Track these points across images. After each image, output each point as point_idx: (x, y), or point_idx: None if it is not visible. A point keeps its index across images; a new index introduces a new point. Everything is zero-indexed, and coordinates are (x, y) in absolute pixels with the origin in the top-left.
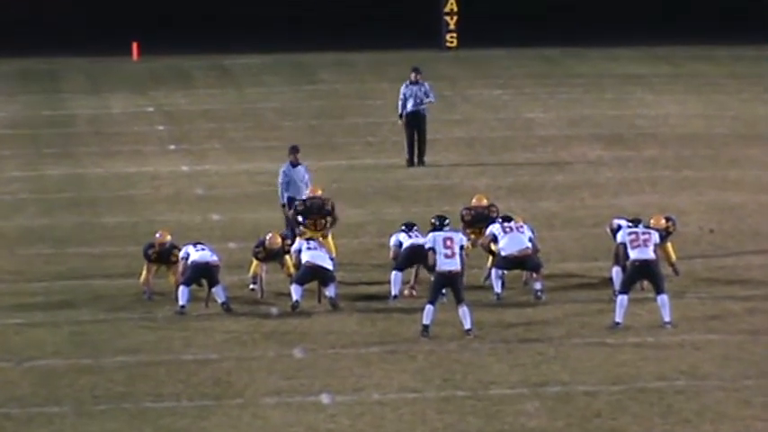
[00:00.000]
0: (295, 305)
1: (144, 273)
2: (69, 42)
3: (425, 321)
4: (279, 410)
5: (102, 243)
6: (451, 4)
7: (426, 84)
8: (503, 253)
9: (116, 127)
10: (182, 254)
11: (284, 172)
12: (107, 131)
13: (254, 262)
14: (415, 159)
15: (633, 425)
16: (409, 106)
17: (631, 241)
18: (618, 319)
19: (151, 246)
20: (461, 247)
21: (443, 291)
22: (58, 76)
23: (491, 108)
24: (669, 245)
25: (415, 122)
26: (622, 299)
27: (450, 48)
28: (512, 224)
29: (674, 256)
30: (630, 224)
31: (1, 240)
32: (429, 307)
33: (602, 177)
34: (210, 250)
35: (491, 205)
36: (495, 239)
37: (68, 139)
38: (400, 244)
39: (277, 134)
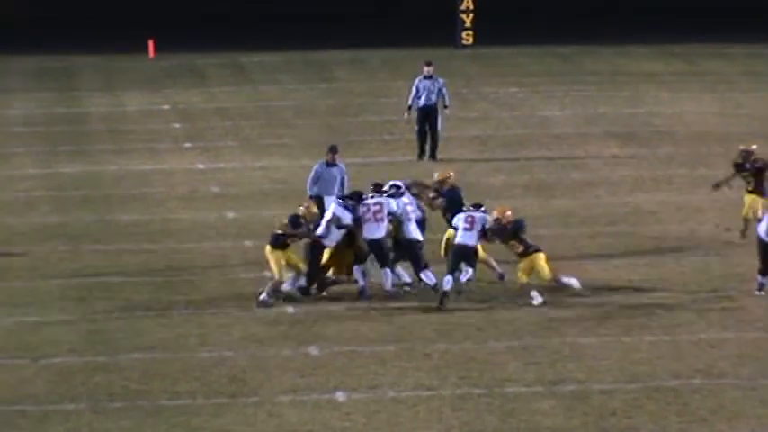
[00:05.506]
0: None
1: (274, 265)
2: (85, 40)
3: (445, 287)
4: (294, 408)
5: (117, 240)
6: (467, 1)
7: (440, 79)
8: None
9: (131, 124)
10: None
11: (316, 169)
12: (122, 129)
13: (276, 259)
14: (427, 154)
15: (649, 423)
16: (422, 101)
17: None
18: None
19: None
20: (483, 226)
21: (461, 264)
22: (73, 73)
23: (506, 106)
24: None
25: (427, 117)
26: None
27: (465, 45)
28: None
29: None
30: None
31: (16, 238)
32: (448, 277)
33: (618, 175)
34: None
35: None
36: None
37: (83, 137)
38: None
39: (292, 132)
